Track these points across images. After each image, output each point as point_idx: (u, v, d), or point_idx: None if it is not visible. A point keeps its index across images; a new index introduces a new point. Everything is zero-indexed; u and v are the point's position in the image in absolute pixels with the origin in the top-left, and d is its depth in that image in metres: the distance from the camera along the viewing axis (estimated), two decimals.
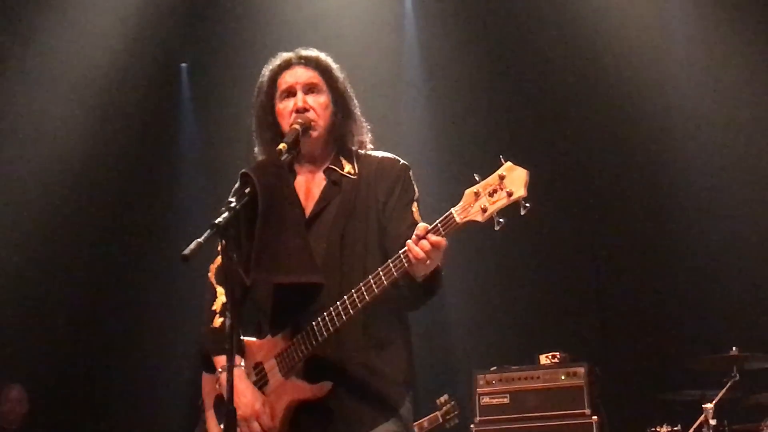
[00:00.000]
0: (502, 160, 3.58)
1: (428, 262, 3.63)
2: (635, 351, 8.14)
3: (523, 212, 3.51)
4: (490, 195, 3.55)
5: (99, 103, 9.26)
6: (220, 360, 4.08)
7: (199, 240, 3.49)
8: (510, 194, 3.52)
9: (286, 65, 4.17)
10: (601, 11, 8.60)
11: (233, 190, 3.92)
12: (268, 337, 4.03)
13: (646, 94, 8.46)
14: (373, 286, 3.72)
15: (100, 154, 9.33)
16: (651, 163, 8.49)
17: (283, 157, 3.94)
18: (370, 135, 4.22)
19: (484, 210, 3.55)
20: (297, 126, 4.02)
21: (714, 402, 6.58)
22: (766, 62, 8.13)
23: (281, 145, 3.95)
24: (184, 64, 10.05)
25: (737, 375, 6.73)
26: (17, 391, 8.97)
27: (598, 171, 8.58)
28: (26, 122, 9.11)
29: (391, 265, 3.70)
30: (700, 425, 6.56)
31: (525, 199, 3.51)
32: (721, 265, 8.04)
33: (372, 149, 4.20)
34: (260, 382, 4.03)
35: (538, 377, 7.11)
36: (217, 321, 4.15)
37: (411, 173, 4.12)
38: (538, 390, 7.07)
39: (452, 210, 3.62)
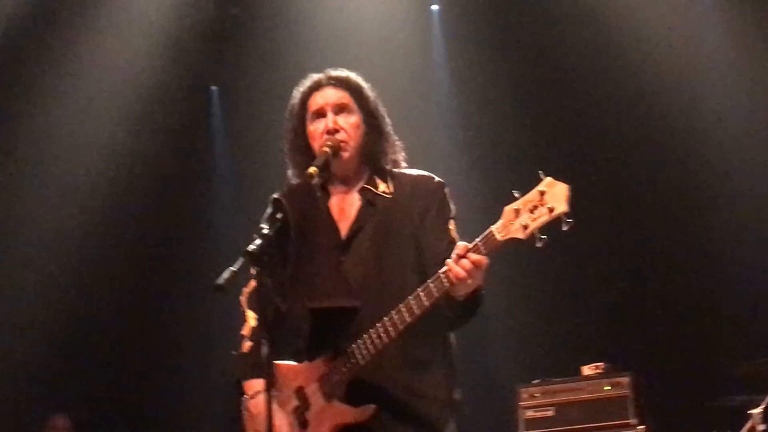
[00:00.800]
0: (542, 175, 3.53)
1: (469, 281, 3.59)
2: (679, 358, 8.05)
3: (565, 228, 3.46)
4: (531, 211, 3.51)
5: (131, 128, 9.31)
6: (249, 386, 4.07)
7: (232, 268, 3.49)
8: (551, 210, 3.47)
9: (316, 86, 4.15)
10: (631, 21, 8.53)
11: (265, 215, 3.91)
12: (309, 361, 4.00)
13: (681, 101, 8.39)
14: (414, 307, 3.69)
15: (133, 177, 9.38)
16: (689, 167, 8.41)
17: (314, 181, 3.92)
18: (403, 153, 4.18)
19: (525, 227, 3.51)
20: (327, 149, 3.99)
21: (762, 407, 6.48)
22: None
23: (311, 169, 3.91)
24: (214, 87, 10.08)
25: None
26: (63, 421, 9.02)
27: (636, 177, 8.52)
28: (62, 144, 9.18)
29: (431, 285, 3.66)
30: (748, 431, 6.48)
31: (567, 215, 3.47)
32: (764, 268, 7.94)
33: (406, 168, 4.17)
34: (302, 407, 3.99)
35: (582, 389, 7.05)
36: (246, 345, 4.14)
37: (447, 191, 4.08)
38: (582, 402, 7.00)
39: (492, 228, 3.58)
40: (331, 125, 4.04)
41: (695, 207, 8.39)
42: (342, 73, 4.18)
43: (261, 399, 3.85)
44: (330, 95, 4.10)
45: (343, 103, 4.09)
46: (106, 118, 9.21)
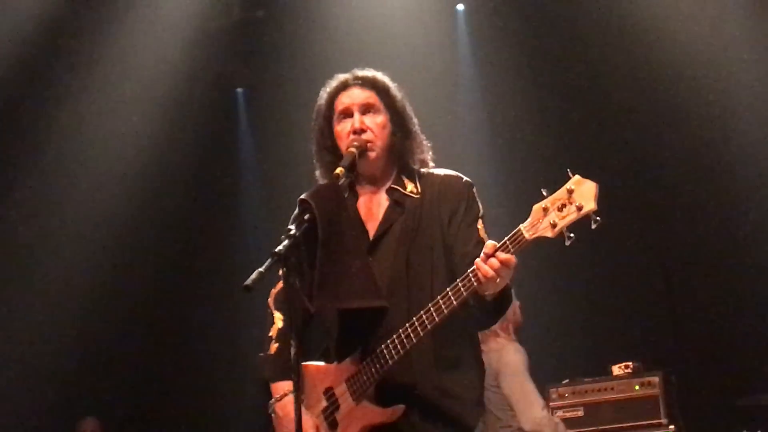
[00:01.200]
0: (570, 173, 3.50)
1: (498, 280, 3.57)
2: (710, 357, 8.02)
3: (594, 226, 3.44)
4: (559, 210, 3.48)
5: (158, 130, 9.33)
6: (277, 387, 4.07)
7: (260, 270, 3.48)
8: (580, 208, 3.45)
9: (343, 86, 4.13)
10: (659, 17, 8.48)
11: (292, 217, 3.90)
12: (337, 362, 4.00)
13: (711, 98, 8.34)
14: (442, 306, 3.67)
15: (161, 180, 9.42)
16: (719, 164, 8.37)
17: (341, 182, 3.91)
18: (431, 153, 4.16)
19: (554, 225, 3.49)
20: (353, 149, 3.98)
21: None
22: None
23: (338, 170, 3.92)
24: (240, 89, 10.10)
25: None
26: (93, 424, 9.06)
27: (665, 175, 8.48)
28: (90, 148, 9.25)
29: (459, 284, 3.64)
30: None
31: (596, 213, 3.44)
32: None
33: (434, 167, 4.15)
34: (332, 407, 3.98)
35: (612, 388, 7.03)
36: (273, 347, 4.15)
37: (475, 190, 4.06)
38: (612, 401, 6.98)
39: (521, 226, 3.55)
40: (357, 125, 4.03)
41: (727, 205, 8.35)
42: (369, 72, 4.16)
43: (289, 400, 3.85)
44: (356, 95, 4.09)
45: (369, 103, 4.07)
46: (134, 121, 9.26)
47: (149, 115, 9.29)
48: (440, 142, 4.30)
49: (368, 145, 4.01)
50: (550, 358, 8.44)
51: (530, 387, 6.45)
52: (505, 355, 6.49)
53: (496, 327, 6.35)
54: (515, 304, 6.61)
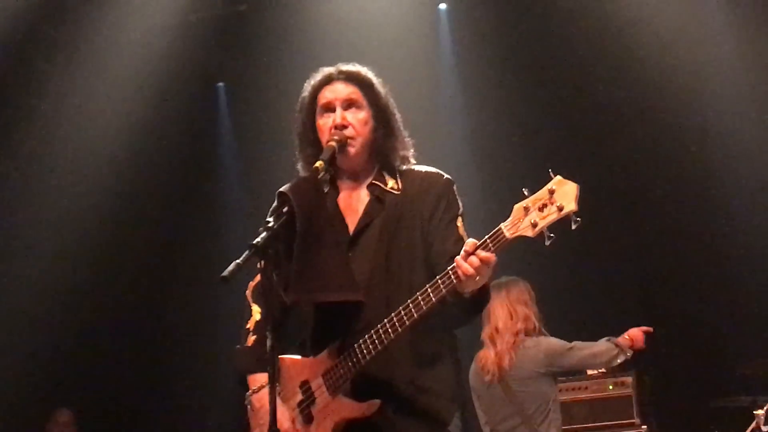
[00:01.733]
0: (552, 174, 3.53)
1: (477, 278, 3.58)
2: (684, 358, 8.07)
3: (574, 226, 3.46)
4: (540, 210, 3.51)
5: (139, 123, 9.33)
6: (253, 380, 4.08)
7: (238, 261, 3.49)
8: (560, 209, 3.47)
9: (327, 80, 4.13)
10: (641, 21, 8.52)
11: (271, 209, 3.91)
12: (314, 355, 4.01)
13: (689, 102, 8.41)
14: (421, 302, 3.69)
15: (141, 173, 9.40)
16: (696, 168, 8.42)
17: (320, 175, 3.92)
18: (412, 150, 4.18)
19: (534, 225, 3.51)
20: (333, 143, 3.98)
21: (766, 408, 6.50)
22: None
23: (318, 163, 3.92)
24: (220, 84, 10.09)
25: None
26: (66, 415, 9.04)
27: (642, 177, 8.52)
28: (70, 141, 9.21)
29: (439, 281, 3.66)
30: None
31: (576, 214, 3.47)
32: None
33: (415, 164, 4.16)
34: (307, 400, 3.99)
35: (586, 388, 7.07)
36: (250, 339, 4.15)
37: (455, 188, 4.08)
38: (586, 401, 7.03)
39: (501, 225, 3.57)
40: (339, 120, 4.03)
41: (705, 207, 8.40)
42: (353, 68, 4.16)
43: (265, 393, 3.85)
44: (340, 90, 4.09)
45: (352, 99, 4.08)
46: (114, 114, 9.24)
47: (130, 107, 9.26)
48: (421, 139, 4.31)
49: (348, 140, 4.02)
50: None
51: (579, 343, 6.62)
52: (548, 341, 6.62)
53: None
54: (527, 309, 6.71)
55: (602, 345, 6.56)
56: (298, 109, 4.21)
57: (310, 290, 3.83)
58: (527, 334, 6.64)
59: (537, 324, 6.71)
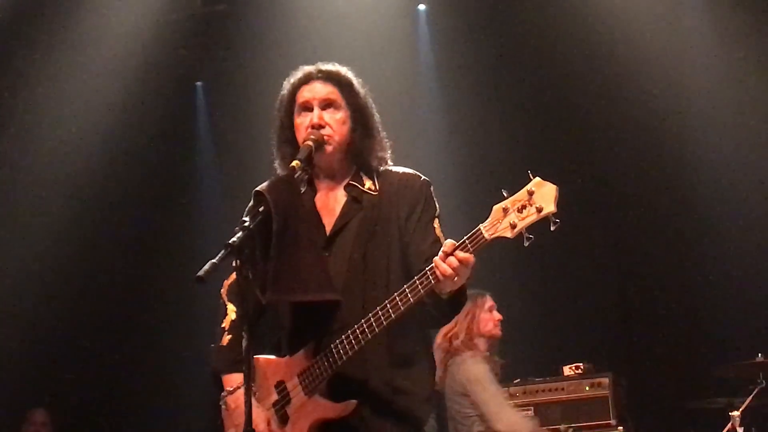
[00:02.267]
0: (531, 175, 3.53)
1: (456, 279, 3.59)
2: (660, 360, 8.09)
3: (552, 228, 3.47)
4: (519, 211, 3.52)
5: (117, 122, 9.28)
6: (228, 380, 4.07)
7: (213, 261, 3.48)
8: (539, 210, 3.48)
9: (306, 80, 4.12)
10: (619, 19, 8.55)
11: (247, 208, 3.90)
12: (290, 355, 4.00)
13: (668, 101, 8.43)
14: (399, 303, 3.68)
15: (118, 172, 9.36)
16: (674, 171, 8.44)
17: (297, 175, 3.91)
18: (390, 151, 4.18)
19: (513, 226, 3.52)
20: (310, 142, 3.97)
21: (741, 410, 6.54)
22: None
23: (294, 162, 3.91)
24: (199, 83, 10.06)
25: (764, 382, 6.69)
26: (41, 415, 9.00)
27: (621, 180, 8.54)
28: (47, 139, 9.15)
29: (417, 282, 3.66)
30: None
31: (555, 215, 3.48)
32: (745, 273, 7.98)
33: (392, 165, 4.16)
34: (283, 401, 3.98)
35: (563, 389, 7.08)
36: (225, 339, 4.14)
37: (432, 189, 4.08)
38: (562, 402, 7.04)
39: (480, 226, 3.58)
40: (316, 120, 4.02)
41: (680, 210, 8.42)
42: (333, 67, 4.15)
43: (240, 393, 3.84)
44: (318, 90, 4.08)
45: (330, 99, 4.07)
46: (92, 112, 9.19)
47: (107, 106, 9.22)
48: (400, 140, 4.31)
49: (325, 139, 4.01)
50: (502, 357, 8.47)
51: (498, 391, 6.52)
52: (467, 367, 6.55)
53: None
54: (479, 315, 6.69)
55: (513, 414, 6.51)
56: (277, 107, 4.20)
57: (287, 290, 3.83)
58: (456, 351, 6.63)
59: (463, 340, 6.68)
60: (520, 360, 8.22)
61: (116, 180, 9.35)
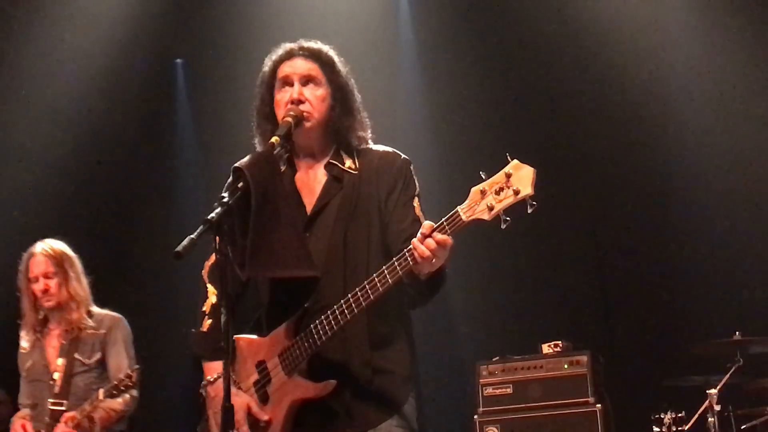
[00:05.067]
0: (509, 157, 3.53)
1: (434, 260, 3.59)
2: (638, 338, 8.12)
3: (530, 210, 3.48)
4: (497, 193, 3.52)
5: (94, 100, 9.21)
6: (209, 367, 4.06)
7: (192, 236, 3.46)
8: (517, 192, 3.48)
9: (287, 56, 4.12)
10: (604, 6, 8.56)
11: (226, 185, 3.90)
12: (271, 334, 4.00)
13: (645, 83, 8.42)
14: (378, 284, 3.69)
15: (96, 150, 9.29)
16: (652, 150, 8.45)
17: (276, 151, 3.90)
18: (370, 130, 4.18)
19: (491, 208, 3.52)
20: (289, 118, 3.96)
21: (718, 388, 6.58)
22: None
23: (274, 138, 3.90)
24: (179, 60, 10.00)
25: (741, 360, 6.72)
26: (1, 395, 8.93)
27: (599, 159, 8.53)
28: (24, 116, 9.07)
29: (396, 263, 3.66)
30: (705, 411, 6.57)
31: (532, 198, 3.48)
32: (723, 251, 8.01)
33: (372, 144, 4.16)
34: (263, 380, 3.99)
35: (541, 366, 7.10)
36: (206, 323, 4.12)
37: (412, 168, 4.09)
38: (541, 379, 7.05)
39: (458, 208, 3.58)
40: (295, 95, 4.01)
41: (658, 189, 8.44)
42: (315, 44, 4.15)
43: (220, 382, 3.82)
44: (299, 65, 4.08)
45: (311, 75, 4.07)
46: (70, 89, 9.13)
47: (86, 83, 9.15)
48: (380, 119, 4.31)
49: (305, 115, 4.00)
50: (481, 335, 8.52)
51: None
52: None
53: None
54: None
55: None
56: (258, 83, 4.20)
57: (267, 265, 3.82)
58: None
59: None
60: (498, 337, 8.27)
61: (93, 158, 9.28)
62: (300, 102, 4.01)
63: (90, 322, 6.52)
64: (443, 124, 9.00)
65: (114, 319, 6.61)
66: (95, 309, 6.62)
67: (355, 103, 4.14)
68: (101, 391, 6.02)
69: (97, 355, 6.47)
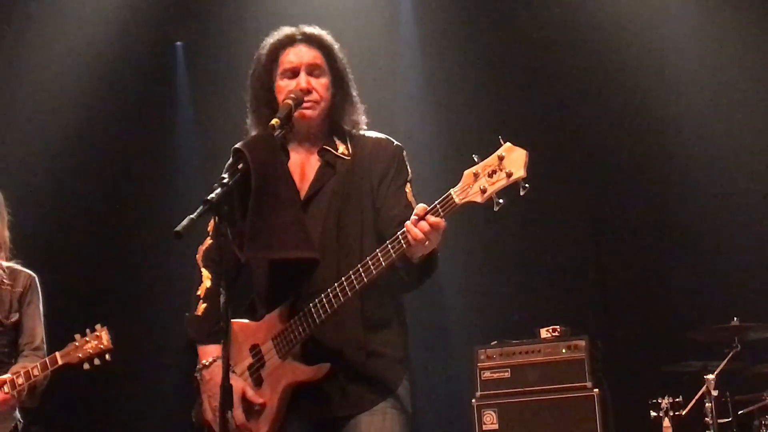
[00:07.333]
0: (501, 140, 3.55)
1: (427, 243, 3.60)
2: (636, 323, 8.11)
3: (522, 193, 3.50)
4: (489, 176, 3.53)
5: (95, 82, 9.20)
6: (204, 351, 4.07)
7: (192, 216, 3.45)
8: (509, 175, 3.49)
9: (290, 41, 4.11)
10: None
11: (226, 166, 3.90)
12: (265, 318, 4.01)
13: (643, 65, 8.41)
14: (371, 267, 3.71)
15: (96, 132, 9.27)
16: (651, 134, 8.43)
17: (276, 133, 3.90)
18: (364, 116, 4.18)
19: (484, 191, 3.53)
20: (290, 101, 3.97)
21: (715, 373, 6.58)
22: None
23: (274, 120, 3.90)
24: (179, 43, 9.98)
25: (738, 346, 6.73)
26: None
27: (597, 143, 8.52)
28: (24, 99, 9.06)
29: (389, 246, 3.68)
30: (702, 396, 6.57)
31: (524, 180, 3.49)
32: (721, 236, 8.00)
33: (365, 130, 4.16)
34: (257, 364, 4.01)
35: (539, 351, 7.10)
36: (201, 307, 4.13)
37: (404, 154, 4.10)
38: (539, 364, 7.06)
39: (451, 191, 3.59)
40: (304, 84, 4.02)
41: (656, 174, 8.42)
42: (316, 30, 4.15)
43: (216, 366, 3.85)
44: (304, 54, 4.08)
45: (316, 63, 4.07)
46: (70, 72, 9.11)
47: (86, 65, 9.13)
48: (376, 104, 4.31)
49: (312, 104, 4.02)
50: (479, 319, 8.51)
51: None
52: None
53: None
54: None
55: None
56: (254, 65, 4.19)
57: (266, 247, 3.82)
58: None
59: None
60: (496, 322, 8.27)
61: (94, 141, 9.27)
62: (308, 92, 4.02)
63: (5, 277, 5.77)
64: (437, 107, 8.97)
65: (30, 277, 5.86)
66: (3, 262, 5.85)
67: (352, 89, 4.16)
68: (58, 355, 5.43)
69: (15, 316, 5.75)
